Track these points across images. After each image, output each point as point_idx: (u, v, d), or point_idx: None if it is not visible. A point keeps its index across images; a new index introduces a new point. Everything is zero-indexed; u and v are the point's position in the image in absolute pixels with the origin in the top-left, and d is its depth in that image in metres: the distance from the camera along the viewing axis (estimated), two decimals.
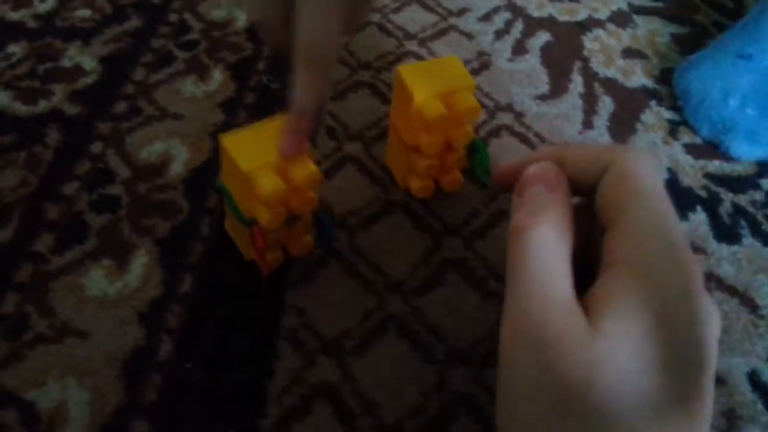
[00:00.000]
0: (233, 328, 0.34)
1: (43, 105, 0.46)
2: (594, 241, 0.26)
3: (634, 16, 0.56)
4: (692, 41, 0.53)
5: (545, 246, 0.23)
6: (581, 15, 0.55)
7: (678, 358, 0.21)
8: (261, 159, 0.32)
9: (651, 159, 0.26)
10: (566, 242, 0.24)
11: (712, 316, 0.22)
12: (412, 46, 0.51)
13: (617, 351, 0.21)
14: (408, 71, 0.36)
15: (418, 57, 0.50)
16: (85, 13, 0.53)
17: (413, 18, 0.54)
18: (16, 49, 0.50)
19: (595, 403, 0.20)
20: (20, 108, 0.45)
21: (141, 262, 0.37)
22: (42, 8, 0.54)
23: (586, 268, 0.24)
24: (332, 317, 0.35)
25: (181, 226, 0.39)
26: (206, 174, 0.41)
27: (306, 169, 0.32)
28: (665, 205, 0.23)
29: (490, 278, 0.37)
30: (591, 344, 0.21)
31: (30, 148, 0.43)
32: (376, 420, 0.31)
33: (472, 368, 0.33)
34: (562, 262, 0.23)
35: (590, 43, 0.53)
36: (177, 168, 0.42)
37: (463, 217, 0.40)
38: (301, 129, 0.31)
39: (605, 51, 0.52)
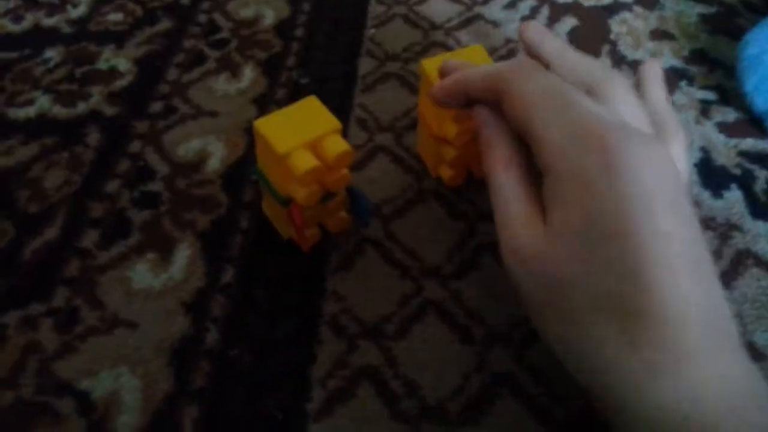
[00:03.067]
0: (276, 315, 0.35)
1: (81, 107, 0.47)
2: None
3: None
4: (721, 21, 0.53)
5: (503, 189, 0.28)
6: None
7: (601, 231, 0.24)
8: (295, 140, 0.33)
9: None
10: (514, 171, 0.28)
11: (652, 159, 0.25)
12: (438, 36, 0.52)
13: (559, 239, 0.25)
14: (431, 64, 0.37)
15: (446, 47, 0.51)
16: (117, 16, 0.55)
17: (438, 8, 0.54)
18: (52, 53, 0.51)
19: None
20: (60, 111, 0.47)
21: (184, 255, 0.38)
22: (75, 13, 0.55)
23: None
24: (372, 303, 0.36)
25: (221, 219, 0.40)
26: (243, 169, 0.42)
27: (339, 147, 0.33)
28: (566, 99, 0.27)
29: None
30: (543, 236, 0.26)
31: (71, 148, 0.44)
32: (419, 401, 0.32)
33: (512, 349, 0.34)
34: (516, 194, 0.28)
35: (617, 26, 0.53)
36: (214, 164, 0.43)
37: None
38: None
39: (633, 33, 0.52)
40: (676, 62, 0.49)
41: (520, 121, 0.27)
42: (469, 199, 0.40)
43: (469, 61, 0.35)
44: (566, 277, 0.25)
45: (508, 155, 0.29)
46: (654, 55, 0.50)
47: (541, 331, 0.27)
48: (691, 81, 0.48)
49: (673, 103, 0.46)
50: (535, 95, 0.27)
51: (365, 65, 0.49)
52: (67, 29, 0.54)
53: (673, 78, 0.48)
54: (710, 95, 0.47)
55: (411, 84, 0.47)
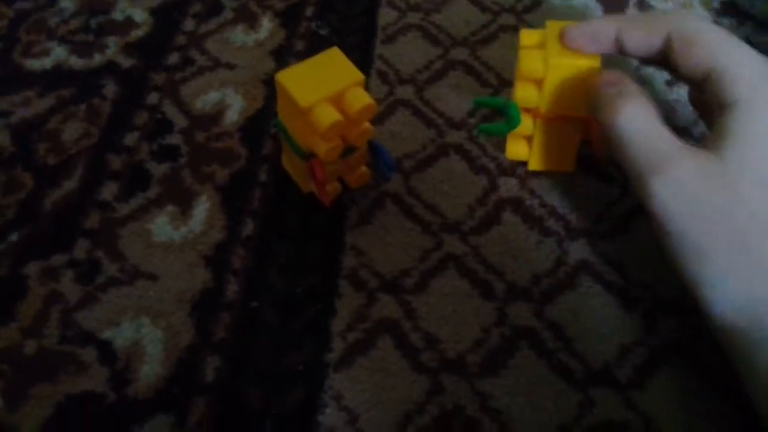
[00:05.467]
0: (296, 269, 0.35)
1: (98, 58, 0.47)
2: None
3: None
4: None
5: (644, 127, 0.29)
6: None
7: None
8: (317, 93, 0.32)
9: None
10: (653, 111, 0.30)
11: None
12: None
13: (742, 166, 0.27)
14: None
15: None
16: None
17: None
18: (67, 3, 0.51)
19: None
20: (77, 62, 0.46)
21: (203, 208, 0.38)
22: None
23: None
24: (391, 257, 0.35)
25: (240, 172, 0.39)
26: (262, 121, 0.42)
27: (361, 101, 0.33)
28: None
29: (548, 217, 0.37)
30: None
31: (89, 100, 0.44)
32: (439, 353, 0.32)
33: (533, 304, 0.33)
34: (662, 131, 0.29)
35: None
36: (232, 116, 0.42)
37: None
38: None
39: None
40: (706, 14, 0.48)
41: (704, 59, 0.28)
42: (490, 154, 0.40)
43: None
44: (743, 202, 0.26)
45: (639, 92, 0.30)
46: (683, 6, 0.49)
47: (693, 268, 0.27)
48: None
49: None
50: (717, 34, 0.29)
51: (385, 16, 0.48)
52: None
53: None
54: None
55: (432, 35, 0.46)
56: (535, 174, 0.38)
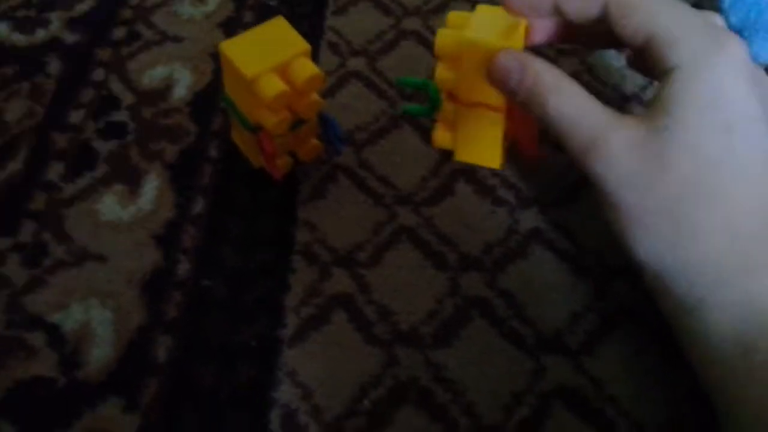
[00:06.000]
0: (248, 245, 0.35)
1: (41, 34, 0.45)
2: None
3: None
4: None
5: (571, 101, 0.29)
6: None
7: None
8: (263, 63, 0.32)
9: None
10: (576, 86, 0.29)
11: None
12: None
13: (686, 134, 0.27)
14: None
15: None
16: None
17: None
18: None
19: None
20: (19, 38, 0.45)
21: (152, 186, 0.37)
22: None
23: None
24: (344, 231, 0.35)
25: (190, 149, 0.39)
26: (211, 96, 0.41)
27: (308, 71, 0.32)
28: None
29: (500, 186, 0.37)
30: None
31: (32, 78, 0.42)
32: (392, 326, 0.32)
33: (485, 274, 0.34)
34: (591, 104, 0.29)
35: None
36: (181, 91, 0.41)
37: None
38: None
39: None
40: None
41: (643, 24, 0.28)
42: None
43: None
44: (673, 168, 0.26)
45: (557, 76, 0.29)
46: None
47: (627, 235, 0.28)
48: None
49: None
50: None
51: None
52: None
53: None
54: None
55: (384, 5, 0.46)
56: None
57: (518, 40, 0.31)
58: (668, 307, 0.28)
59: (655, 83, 0.29)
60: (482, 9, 0.32)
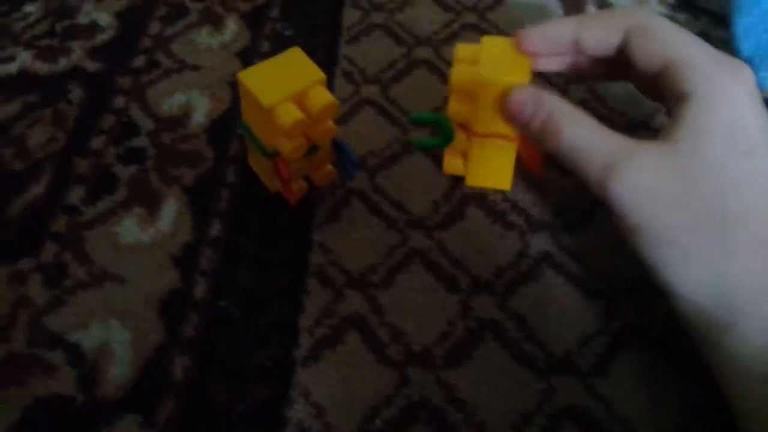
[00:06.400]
0: (263, 267, 0.36)
1: (63, 63, 0.47)
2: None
3: None
4: None
5: (583, 135, 0.30)
6: None
7: None
8: (280, 92, 0.33)
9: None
10: (586, 119, 0.30)
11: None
12: None
13: (698, 155, 0.28)
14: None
15: None
16: None
17: None
18: (32, 8, 0.50)
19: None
20: (42, 67, 0.46)
21: (171, 209, 0.38)
22: None
23: None
24: (358, 254, 0.36)
25: (207, 174, 0.40)
26: (228, 123, 0.42)
27: (323, 99, 0.33)
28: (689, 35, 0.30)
29: (511, 211, 0.37)
30: None
31: (55, 105, 0.44)
32: (405, 347, 0.33)
33: (496, 296, 0.34)
34: (602, 133, 0.30)
35: None
36: (199, 118, 0.43)
37: None
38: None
39: None
40: (662, 9, 0.49)
41: (661, 52, 0.29)
42: None
43: None
44: (698, 188, 0.27)
45: (571, 109, 0.30)
46: (640, 3, 0.50)
47: (655, 256, 0.28)
48: None
49: None
50: (673, 28, 0.30)
51: (350, 16, 0.48)
52: None
53: None
54: None
55: (396, 34, 0.47)
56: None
57: (527, 73, 0.32)
58: (700, 328, 0.28)
59: (664, 110, 0.30)
60: (488, 41, 0.34)
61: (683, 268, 0.27)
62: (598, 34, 0.32)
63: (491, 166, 0.37)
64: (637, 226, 0.28)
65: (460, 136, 0.36)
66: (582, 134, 0.29)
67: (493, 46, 0.33)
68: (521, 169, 0.37)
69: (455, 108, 0.35)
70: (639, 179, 0.28)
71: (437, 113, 0.40)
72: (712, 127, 0.27)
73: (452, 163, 0.38)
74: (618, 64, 0.32)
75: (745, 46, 0.43)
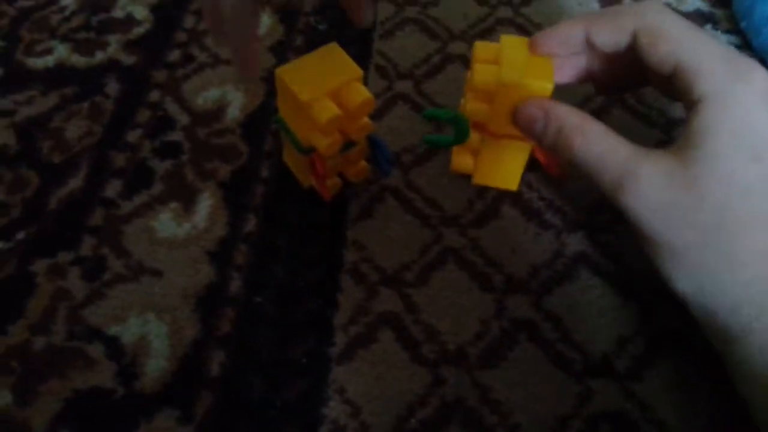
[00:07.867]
0: (298, 263, 0.36)
1: (99, 56, 0.47)
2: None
3: None
4: None
5: (597, 144, 0.29)
6: None
7: None
8: (317, 88, 0.33)
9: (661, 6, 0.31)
10: (597, 126, 0.30)
11: None
12: None
13: (714, 163, 0.27)
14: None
15: None
16: None
17: None
18: (68, 1, 0.51)
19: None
20: (78, 60, 0.47)
21: (206, 204, 0.38)
22: None
23: None
24: (391, 251, 0.36)
25: (242, 168, 0.40)
26: (262, 117, 0.42)
27: (360, 95, 0.33)
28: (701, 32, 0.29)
29: (547, 210, 0.37)
30: None
31: (91, 98, 0.44)
32: (439, 346, 0.33)
33: (531, 296, 0.34)
34: (615, 142, 0.29)
35: None
36: (233, 113, 0.43)
37: None
38: None
39: None
40: (702, 5, 0.48)
41: (670, 54, 0.28)
42: None
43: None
44: (708, 199, 0.27)
45: (581, 119, 0.30)
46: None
47: (666, 266, 0.28)
48: (715, 25, 0.47)
49: None
50: (681, 27, 0.29)
51: (384, 10, 0.48)
52: None
53: (699, 21, 0.47)
54: (734, 39, 0.46)
55: (430, 29, 0.47)
56: (533, 167, 0.39)
57: (550, 77, 0.31)
58: (714, 336, 0.28)
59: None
60: (507, 40, 0.33)
61: (694, 279, 0.27)
62: (607, 33, 0.31)
63: (502, 166, 0.37)
64: (648, 237, 0.28)
65: (475, 136, 0.36)
66: (594, 145, 0.29)
67: (512, 44, 0.33)
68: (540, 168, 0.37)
69: (474, 107, 0.34)
70: (649, 191, 0.27)
71: (446, 110, 0.39)
72: (721, 133, 0.27)
73: (461, 161, 0.38)
74: (634, 66, 0.31)
75: (755, 42, 0.43)
